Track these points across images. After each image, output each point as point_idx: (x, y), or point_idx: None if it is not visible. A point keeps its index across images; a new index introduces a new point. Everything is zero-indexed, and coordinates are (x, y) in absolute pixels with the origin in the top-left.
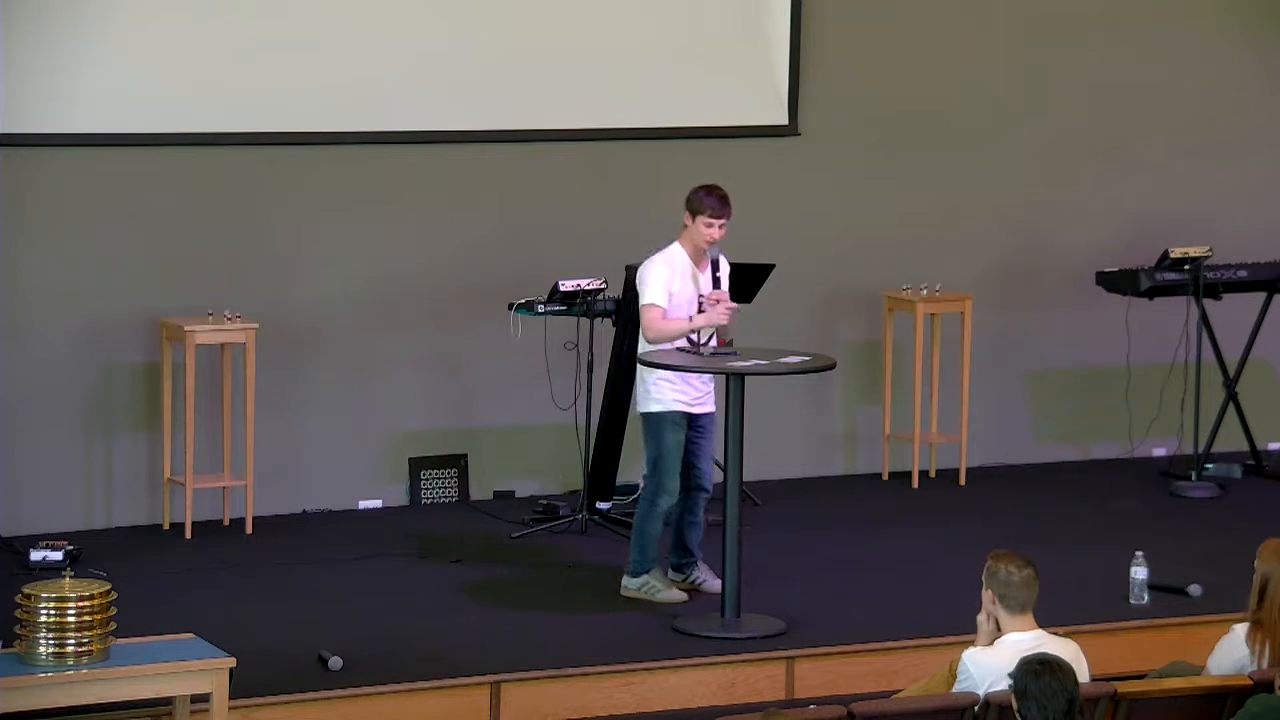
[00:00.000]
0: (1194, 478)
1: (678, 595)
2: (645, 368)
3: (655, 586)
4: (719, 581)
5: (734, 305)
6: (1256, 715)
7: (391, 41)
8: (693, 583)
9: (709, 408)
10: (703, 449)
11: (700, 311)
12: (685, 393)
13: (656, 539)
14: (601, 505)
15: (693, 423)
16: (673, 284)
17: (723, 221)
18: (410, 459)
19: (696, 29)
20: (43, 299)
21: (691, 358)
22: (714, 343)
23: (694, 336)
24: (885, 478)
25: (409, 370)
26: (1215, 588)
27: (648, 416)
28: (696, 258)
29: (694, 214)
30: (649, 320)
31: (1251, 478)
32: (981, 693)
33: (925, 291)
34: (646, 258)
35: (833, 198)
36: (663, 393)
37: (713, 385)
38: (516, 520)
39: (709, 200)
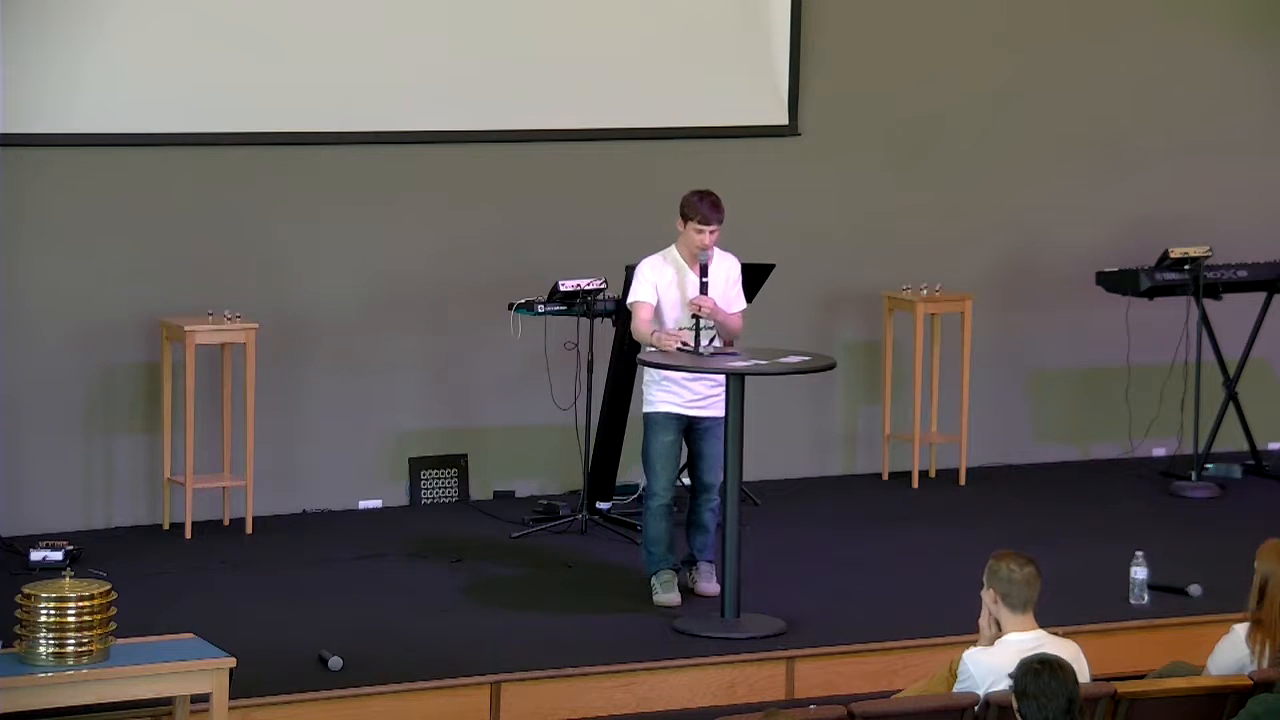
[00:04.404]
0: (1194, 478)
1: (669, 600)
2: (644, 367)
3: (654, 588)
4: (713, 585)
5: (712, 303)
6: (1257, 715)
7: (391, 42)
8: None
9: (713, 412)
10: (704, 452)
11: (694, 315)
12: (678, 395)
13: (658, 539)
14: (601, 505)
15: (693, 425)
16: (660, 283)
17: (713, 228)
18: (410, 459)
19: (696, 29)
20: (43, 299)
21: (690, 358)
22: (718, 343)
23: (689, 339)
24: (885, 478)
25: (409, 370)
26: (1215, 588)
27: (643, 416)
28: (691, 261)
29: (685, 219)
30: (633, 317)
31: (1251, 478)
32: (981, 693)
33: (925, 291)
34: (646, 257)
35: (832, 198)
36: (652, 394)
37: (722, 391)
38: (516, 520)
39: (700, 206)
